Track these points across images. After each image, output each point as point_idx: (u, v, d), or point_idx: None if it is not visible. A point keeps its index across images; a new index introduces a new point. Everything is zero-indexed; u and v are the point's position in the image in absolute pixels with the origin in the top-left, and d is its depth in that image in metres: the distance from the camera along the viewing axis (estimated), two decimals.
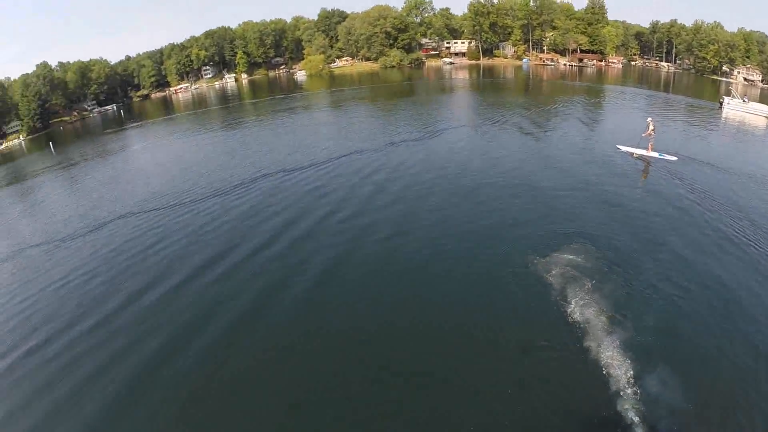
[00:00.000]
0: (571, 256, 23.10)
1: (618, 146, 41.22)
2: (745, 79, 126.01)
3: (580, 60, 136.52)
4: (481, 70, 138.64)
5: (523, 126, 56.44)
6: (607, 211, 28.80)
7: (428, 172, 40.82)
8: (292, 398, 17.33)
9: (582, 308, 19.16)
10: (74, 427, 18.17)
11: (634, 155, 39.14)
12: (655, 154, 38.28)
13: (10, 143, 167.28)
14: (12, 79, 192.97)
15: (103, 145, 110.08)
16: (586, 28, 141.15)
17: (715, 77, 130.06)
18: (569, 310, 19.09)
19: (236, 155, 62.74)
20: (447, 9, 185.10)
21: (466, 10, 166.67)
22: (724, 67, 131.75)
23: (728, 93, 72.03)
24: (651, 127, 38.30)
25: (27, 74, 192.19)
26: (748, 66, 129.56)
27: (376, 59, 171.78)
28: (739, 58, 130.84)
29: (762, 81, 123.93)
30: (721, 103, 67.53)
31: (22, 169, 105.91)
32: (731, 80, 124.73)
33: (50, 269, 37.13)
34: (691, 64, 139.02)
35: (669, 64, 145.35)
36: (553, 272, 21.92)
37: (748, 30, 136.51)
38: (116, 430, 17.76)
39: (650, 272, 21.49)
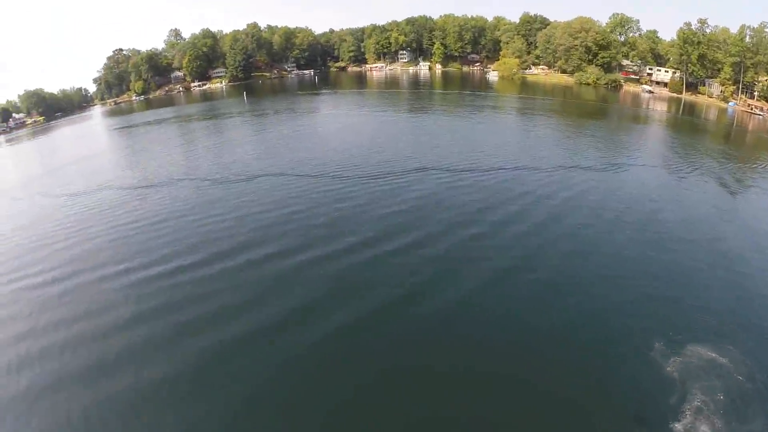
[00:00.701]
0: (713, 354, 20.37)
1: None
2: None
3: None
4: (682, 106, 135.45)
5: (719, 180, 55.61)
6: None
7: (603, 215, 40.83)
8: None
9: (698, 427, 15.97)
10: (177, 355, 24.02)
11: None
12: None
13: (213, 85, 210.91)
14: (224, 33, 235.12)
15: (292, 103, 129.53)
16: None
17: None
18: (680, 422, 16.54)
19: (404, 141, 69.15)
20: (654, 32, 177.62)
21: (674, 36, 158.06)
22: None
23: None
24: None
25: (237, 30, 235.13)
26: None
27: (572, 73, 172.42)
28: None
29: None
30: None
31: (218, 109, 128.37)
32: None
33: (194, 204, 46.60)
34: None
35: None
36: (681, 362, 19.83)
37: None
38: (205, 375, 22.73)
39: None
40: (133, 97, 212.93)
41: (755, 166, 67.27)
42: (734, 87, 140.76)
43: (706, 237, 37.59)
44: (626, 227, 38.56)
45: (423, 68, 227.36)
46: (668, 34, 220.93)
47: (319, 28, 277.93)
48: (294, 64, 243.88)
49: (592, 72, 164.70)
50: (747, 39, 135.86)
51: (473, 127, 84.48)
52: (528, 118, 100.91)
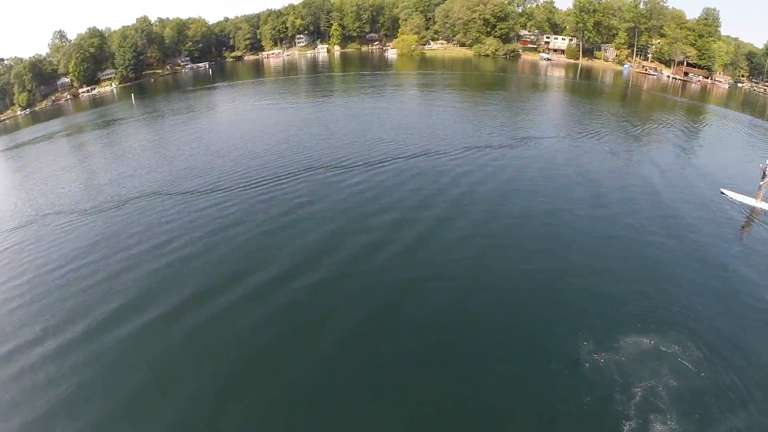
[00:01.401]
0: (650, 341, 18.32)
1: (722, 190, 35.43)
2: None
3: (685, 74, 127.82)
4: (579, 71, 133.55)
5: (619, 144, 52.50)
6: (705, 279, 23.79)
7: (504, 196, 35.65)
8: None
9: (648, 420, 14.70)
10: None
11: (737, 202, 33.60)
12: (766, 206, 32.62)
13: (103, 89, 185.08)
14: (112, 30, 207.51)
15: (184, 101, 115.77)
16: (695, 40, 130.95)
17: None
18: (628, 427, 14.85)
19: (295, 138, 58.39)
20: (551, 2, 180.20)
21: (570, 6, 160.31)
22: None
23: None
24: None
25: (126, 26, 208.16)
26: None
27: (470, 46, 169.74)
28: None
29: None
30: None
31: (105, 117, 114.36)
32: None
33: (68, 248, 33.69)
34: None
35: None
36: (620, 359, 17.43)
37: None
38: None
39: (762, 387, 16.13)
40: (18, 112, 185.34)
41: (648, 126, 64.54)
42: (629, 50, 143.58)
43: (601, 208, 33.30)
44: (542, 207, 33.38)
45: (321, 51, 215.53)
46: (564, 4, 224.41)
47: (213, 18, 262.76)
48: (188, 58, 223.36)
49: (491, 43, 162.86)
50: (641, 6, 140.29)
51: (370, 111, 75.12)
52: (428, 95, 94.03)
